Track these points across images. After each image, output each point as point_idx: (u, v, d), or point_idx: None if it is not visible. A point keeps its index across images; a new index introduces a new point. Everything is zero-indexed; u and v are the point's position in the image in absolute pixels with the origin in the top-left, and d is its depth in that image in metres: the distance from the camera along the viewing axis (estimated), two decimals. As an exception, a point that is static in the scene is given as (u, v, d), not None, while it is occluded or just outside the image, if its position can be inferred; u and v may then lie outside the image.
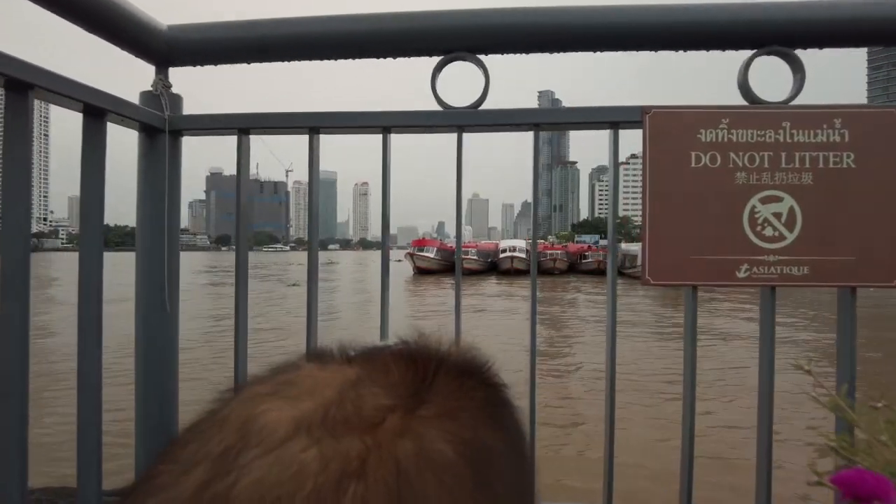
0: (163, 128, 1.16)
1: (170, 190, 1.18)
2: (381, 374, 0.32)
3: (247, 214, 1.19)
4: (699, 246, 1.07)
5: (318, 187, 1.14)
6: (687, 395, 1.09)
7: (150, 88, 1.17)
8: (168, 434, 1.15)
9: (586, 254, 50.08)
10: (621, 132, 1.12)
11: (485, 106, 1.11)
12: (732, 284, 1.07)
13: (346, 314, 18.02)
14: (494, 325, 15.15)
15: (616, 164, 1.12)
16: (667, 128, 1.08)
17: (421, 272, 43.89)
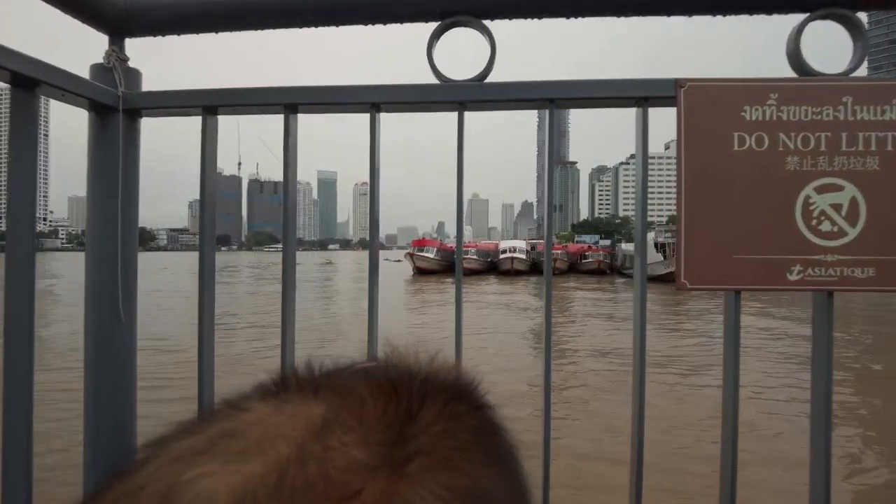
0: (116, 106, 0.99)
1: (125, 178, 1.01)
2: (354, 411, 0.27)
3: (212, 206, 1.02)
4: (744, 243, 0.90)
5: (296, 175, 0.98)
6: (728, 411, 0.93)
7: (102, 61, 1.01)
8: (121, 464, 0.98)
9: (587, 254, 49.90)
10: (649, 111, 0.95)
11: (490, 79, 0.94)
12: (783, 289, 0.91)
13: (343, 313, 17.84)
14: (499, 323, 14.98)
15: (645, 148, 0.96)
16: (705, 104, 0.92)
17: (421, 272, 43.72)
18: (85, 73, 1.00)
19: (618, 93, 0.94)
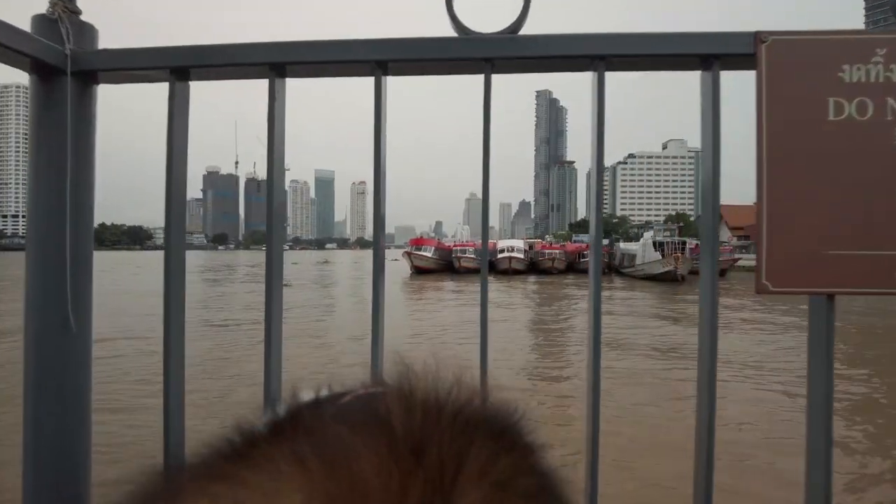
0: (63, 67, 0.81)
1: (76, 157, 0.83)
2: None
3: (182, 193, 0.84)
4: (841, 237, 0.73)
5: (283, 148, 0.80)
6: (818, 443, 0.75)
7: (46, 11, 0.82)
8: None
9: (585, 253, 49.74)
10: (721, 74, 0.77)
11: (524, 33, 0.76)
12: (889, 292, 0.73)
13: (341, 310, 17.64)
14: (499, 322, 14.82)
15: (716, 122, 0.78)
16: (793, 64, 0.74)
17: (419, 271, 43.56)
18: (25, 28, 0.82)
19: (681, 49, 0.76)
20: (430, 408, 0.25)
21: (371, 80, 0.79)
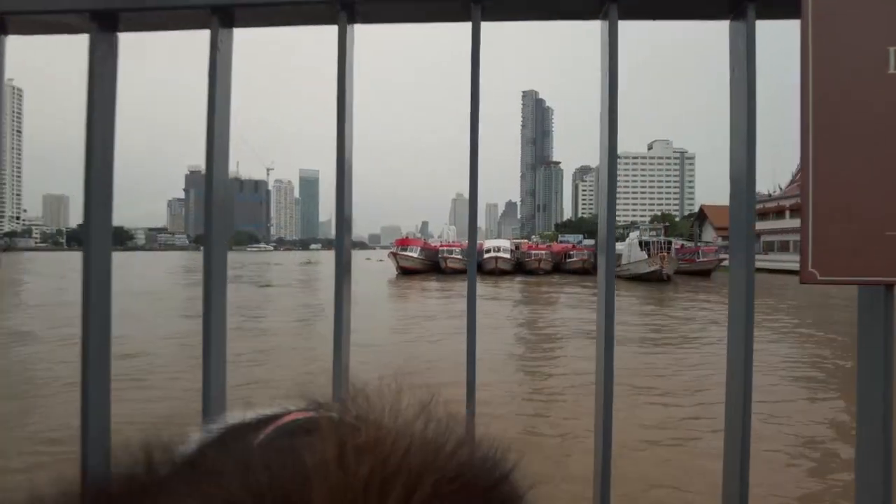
0: (-43, 10, 0.66)
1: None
2: None
3: (108, 177, 0.69)
4: (902, 215, 0.60)
5: (228, 103, 0.65)
6: (872, 463, 0.63)
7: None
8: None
9: (571, 253, 49.93)
10: (756, 24, 0.65)
11: (522, -30, 0.63)
12: (958, 282, 0.61)
13: (329, 311, 17.39)
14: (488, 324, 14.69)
15: (751, 84, 0.65)
16: (846, 8, 0.61)
17: (405, 272, 43.30)
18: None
19: (709, -7, 0.63)
20: (382, 454, 0.18)
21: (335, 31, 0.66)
